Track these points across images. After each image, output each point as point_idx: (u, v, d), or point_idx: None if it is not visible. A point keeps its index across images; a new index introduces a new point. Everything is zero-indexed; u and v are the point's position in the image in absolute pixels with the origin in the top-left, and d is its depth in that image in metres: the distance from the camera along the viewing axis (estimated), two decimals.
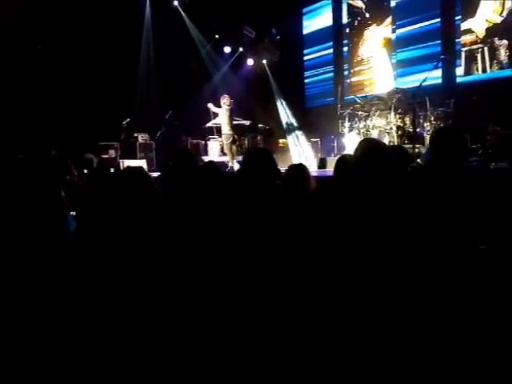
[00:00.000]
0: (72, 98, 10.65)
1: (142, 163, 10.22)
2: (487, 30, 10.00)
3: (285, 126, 14.10)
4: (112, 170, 6.32)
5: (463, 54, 10.52)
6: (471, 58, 10.41)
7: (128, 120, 10.97)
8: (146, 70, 12.70)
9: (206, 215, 2.52)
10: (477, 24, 10.23)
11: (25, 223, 2.31)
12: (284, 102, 14.67)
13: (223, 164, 9.78)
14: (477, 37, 10.25)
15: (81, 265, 2.08)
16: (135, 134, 11.53)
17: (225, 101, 10.00)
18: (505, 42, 9.71)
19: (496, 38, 9.86)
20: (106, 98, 10.90)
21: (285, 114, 14.49)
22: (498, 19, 9.75)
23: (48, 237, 2.26)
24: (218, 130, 10.67)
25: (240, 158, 10.57)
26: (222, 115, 10.13)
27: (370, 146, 2.59)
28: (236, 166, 9.74)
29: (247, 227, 2.40)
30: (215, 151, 11.01)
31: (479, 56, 10.25)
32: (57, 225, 2.40)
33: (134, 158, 10.96)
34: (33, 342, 1.93)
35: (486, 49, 10.12)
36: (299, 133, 12.45)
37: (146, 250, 2.07)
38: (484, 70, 10.18)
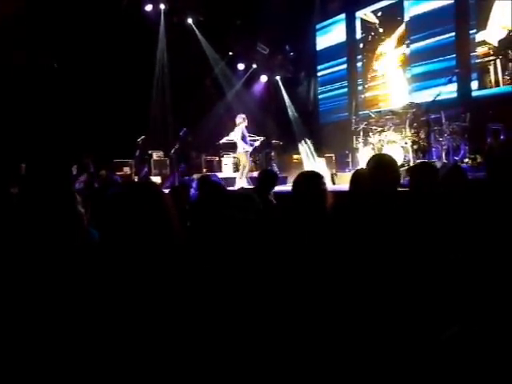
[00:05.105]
0: (87, 116, 10.76)
1: (156, 180, 10.28)
2: (501, 41, 9.90)
3: (298, 141, 14.04)
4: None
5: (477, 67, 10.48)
6: (484, 71, 10.32)
7: (143, 137, 11.04)
8: (160, 87, 12.81)
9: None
10: (491, 34, 10.14)
11: (39, 230, 2.26)
12: (297, 118, 14.66)
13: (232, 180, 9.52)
14: (489, 48, 10.16)
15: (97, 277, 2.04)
16: (150, 151, 11.59)
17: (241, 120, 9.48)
18: None
19: (509, 50, 9.77)
20: (121, 115, 11.00)
21: (298, 130, 14.44)
22: None
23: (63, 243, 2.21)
24: (232, 146, 10.32)
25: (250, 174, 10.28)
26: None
27: (379, 162, 2.53)
28: (243, 183, 9.31)
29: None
30: (229, 168, 10.98)
31: (492, 68, 10.16)
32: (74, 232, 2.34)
33: (149, 174, 11.02)
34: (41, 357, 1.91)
35: (498, 61, 10.03)
36: (313, 148, 12.39)
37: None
38: (497, 83, 10.08)
